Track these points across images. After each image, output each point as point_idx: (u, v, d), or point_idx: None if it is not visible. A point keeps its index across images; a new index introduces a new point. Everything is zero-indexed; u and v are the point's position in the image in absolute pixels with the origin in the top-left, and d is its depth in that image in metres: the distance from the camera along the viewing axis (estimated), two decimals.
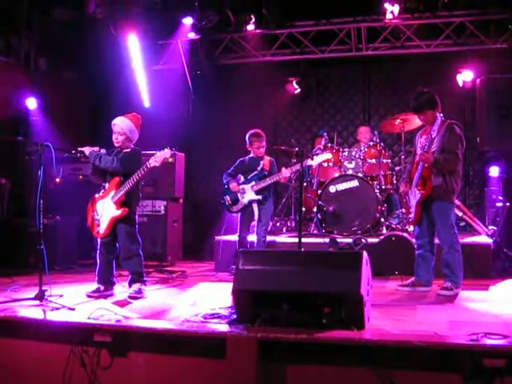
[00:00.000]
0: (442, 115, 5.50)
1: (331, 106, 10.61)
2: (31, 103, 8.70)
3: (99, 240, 5.53)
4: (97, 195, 5.58)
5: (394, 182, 8.13)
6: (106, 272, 5.52)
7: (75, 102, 9.38)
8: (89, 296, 5.35)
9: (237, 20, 9.41)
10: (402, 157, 7.88)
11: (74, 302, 4.95)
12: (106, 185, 5.50)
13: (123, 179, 5.38)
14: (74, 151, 5.52)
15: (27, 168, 8.29)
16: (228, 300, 4.78)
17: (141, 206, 7.88)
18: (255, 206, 6.86)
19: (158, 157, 5.24)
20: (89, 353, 4.10)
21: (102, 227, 5.45)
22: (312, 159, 6.85)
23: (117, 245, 5.51)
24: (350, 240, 7.13)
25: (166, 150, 5.28)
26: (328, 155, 7.19)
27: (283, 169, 6.77)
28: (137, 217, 5.60)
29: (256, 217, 6.84)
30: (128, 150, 5.54)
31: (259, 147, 6.92)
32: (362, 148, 8.25)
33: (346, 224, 7.66)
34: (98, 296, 5.36)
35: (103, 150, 5.52)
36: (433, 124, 5.48)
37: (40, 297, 4.86)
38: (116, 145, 5.50)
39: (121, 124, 5.47)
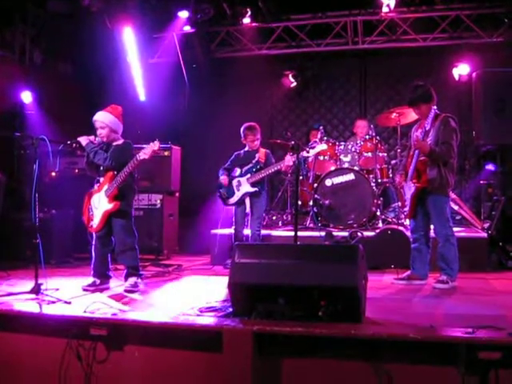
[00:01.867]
0: (435, 108, 5.49)
1: (327, 99, 10.62)
2: (26, 97, 8.67)
3: (94, 234, 5.53)
4: (93, 189, 5.57)
5: (390, 175, 8.13)
6: (101, 266, 5.51)
7: (70, 96, 9.34)
8: (85, 290, 5.33)
9: (233, 13, 9.40)
10: (398, 150, 7.89)
11: (69, 295, 4.94)
12: (101, 179, 5.49)
13: (117, 173, 5.37)
14: (69, 142, 5.49)
15: (22, 162, 8.28)
16: (224, 293, 4.78)
17: (137, 199, 7.89)
18: (247, 200, 6.85)
19: (147, 149, 5.22)
20: (85, 346, 4.11)
21: (96, 221, 5.44)
22: (308, 152, 6.84)
23: (112, 238, 5.50)
24: (345, 233, 7.15)
25: (154, 142, 5.26)
26: (323, 146, 7.19)
27: (287, 156, 6.71)
28: (132, 210, 5.58)
29: (247, 210, 6.84)
30: (119, 142, 5.51)
31: (253, 140, 6.92)
32: (358, 141, 8.26)
33: (342, 217, 7.67)
34: (93, 290, 5.35)
35: (99, 139, 5.48)
36: (427, 118, 5.48)
37: (36, 290, 4.85)
38: (103, 140, 5.46)
39: (100, 118, 5.44)
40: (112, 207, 5.34)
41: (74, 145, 5.49)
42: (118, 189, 5.34)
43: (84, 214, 5.59)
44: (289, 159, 6.61)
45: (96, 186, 5.53)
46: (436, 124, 5.47)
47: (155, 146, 5.25)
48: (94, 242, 5.54)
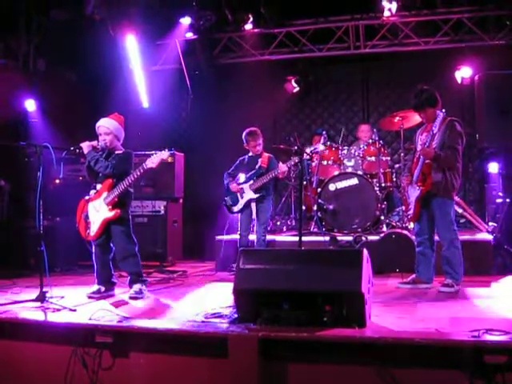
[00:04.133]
0: (444, 111, 5.48)
1: (330, 104, 10.63)
2: (30, 105, 8.71)
3: (93, 242, 5.53)
4: (87, 197, 5.56)
5: (394, 179, 8.12)
6: (104, 273, 5.51)
7: (74, 103, 9.37)
8: (90, 297, 5.34)
9: (235, 19, 9.42)
10: (402, 154, 7.87)
11: (74, 303, 4.94)
12: (98, 186, 5.49)
13: (116, 181, 5.38)
14: (72, 148, 5.50)
15: (27, 169, 8.28)
16: (229, 299, 4.78)
17: (141, 206, 7.93)
18: (253, 205, 6.86)
19: (155, 158, 5.22)
20: (90, 354, 4.10)
21: (93, 229, 5.43)
22: (310, 157, 6.84)
23: (111, 245, 5.50)
24: (350, 238, 7.13)
25: (163, 151, 5.27)
26: (321, 147, 7.18)
27: (280, 164, 6.75)
28: (130, 216, 5.59)
29: (254, 215, 6.85)
30: (120, 151, 5.53)
31: (255, 145, 6.93)
32: (362, 146, 8.25)
33: (346, 222, 7.66)
34: (98, 297, 5.35)
35: (102, 144, 5.47)
36: (433, 121, 5.46)
37: (41, 298, 4.85)
38: (105, 146, 5.46)
39: (105, 124, 5.47)
40: (113, 215, 5.34)
41: (77, 151, 5.50)
42: (118, 197, 5.35)
43: (79, 223, 5.58)
44: (283, 166, 6.66)
45: (92, 193, 5.52)
46: (442, 128, 5.46)
47: (164, 155, 5.25)
48: (93, 251, 5.54)
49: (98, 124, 5.49)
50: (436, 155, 5.34)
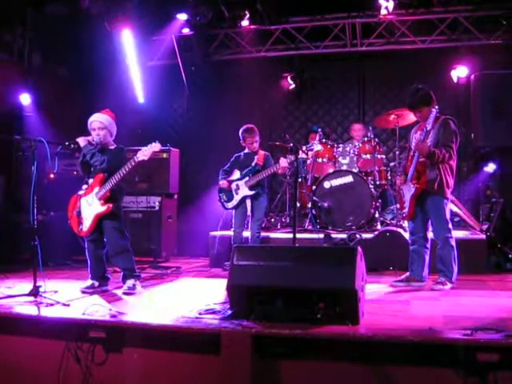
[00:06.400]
0: (437, 107, 5.48)
1: (326, 101, 10.63)
2: (25, 99, 8.67)
3: (86, 238, 5.51)
4: (80, 192, 5.54)
5: (389, 177, 8.13)
6: (97, 268, 5.50)
7: (69, 98, 9.33)
8: (83, 292, 5.33)
9: (231, 16, 9.41)
10: (397, 152, 7.89)
11: (68, 298, 4.93)
12: (90, 180, 5.47)
13: (107, 176, 5.36)
14: (68, 143, 5.47)
15: (21, 164, 8.27)
16: (222, 296, 4.78)
17: (135, 201, 7.91)
18: (248, 202, 6.86)
19: (147, 150, 5.22)
20: (83, 349, 4.10)
21: (86, 224, 5.41)
22: (306, 154, 6.84)
23: (104, 240, 5.49)
24: (344, 236, 7.14)
25: (154, 143, 5.25)
26: (318, 147, 7.19)
27: (281, 158, 6.69)
28: (122, 211, 5.57)
29: (249, 212, 6.85)
30: (113, 147, 5.52)
31: (252, 142, 6.92)
32: (357, 143, 8.27)
33: (341, 220, 7.67)
34: (92, 292, 5.35)
35: (97, 139, 5.45)
36: (428, 119, 5.47)
37: (34, 293, 4.84)
38: (99, 141, 5.43)
39: (99, 119, 5.45)
40: (105, 210, 5.32)
41: (73, 146, 5.48)
42: (110, 191, 5.33)
43: (71, 218, 5.56)
44: (283, 161, 6.62)
45: (84, 189, 5.50)
46: (436, 126, 5.47)
47: (155, 147, 5.24)
48: (86, 246, 5.53)
49: (90, 119, 5.47)
50: (430, 152, 5.34)
